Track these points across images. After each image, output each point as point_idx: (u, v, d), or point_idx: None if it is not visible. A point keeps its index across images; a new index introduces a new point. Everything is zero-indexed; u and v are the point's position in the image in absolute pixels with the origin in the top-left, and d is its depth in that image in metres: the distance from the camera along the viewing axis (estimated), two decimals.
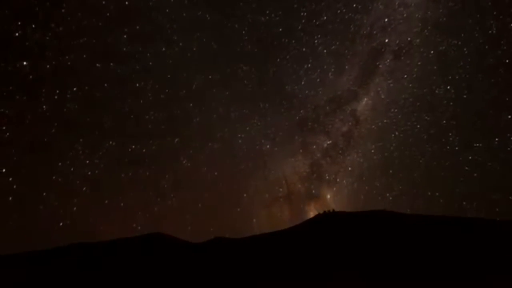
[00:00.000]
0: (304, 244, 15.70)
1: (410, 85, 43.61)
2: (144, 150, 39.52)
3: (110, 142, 36.84)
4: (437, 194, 40.56)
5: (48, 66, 32.37)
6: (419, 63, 43.37)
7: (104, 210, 35.68)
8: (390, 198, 43.13)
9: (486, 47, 39.78)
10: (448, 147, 41.06)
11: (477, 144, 38.93)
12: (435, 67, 42.35)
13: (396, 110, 44.67)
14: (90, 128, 36.15)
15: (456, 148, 40.42)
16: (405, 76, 43.61)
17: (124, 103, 39.13)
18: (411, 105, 44.07)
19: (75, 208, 32.88)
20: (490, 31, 39.53)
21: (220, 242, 18.01)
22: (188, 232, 40.45)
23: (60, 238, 32.95)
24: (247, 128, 47.23)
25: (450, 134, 40.96)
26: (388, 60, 45.09)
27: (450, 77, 41.19)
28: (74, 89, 34.03)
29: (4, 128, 29.62)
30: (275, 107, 49.26)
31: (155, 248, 16.11)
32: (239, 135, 46.77)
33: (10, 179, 29.41)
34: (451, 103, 41.42)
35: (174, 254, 15.16)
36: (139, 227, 36.38)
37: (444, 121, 41.52)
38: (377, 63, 45.17)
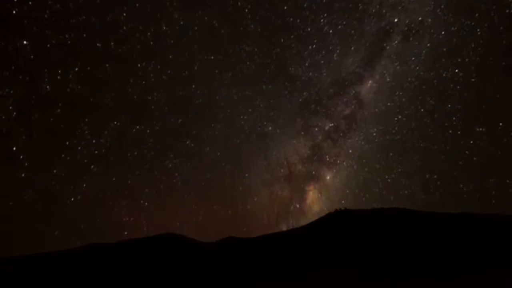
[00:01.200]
0: (317, 243, 15.47)
1: (418, 67, 42.85)
2: (148, 131, 40.65)
3: (115, 123, 37.66)
4: (435, 176, 41.74)
5: (48, 45, 32.44)
6: (428, 44, 42.54)
7: (112, 186, 37.60)
8: (389, 180, 44.37)
9: (501, 28, 38.64)
10: (450, 131, 41.36)
11: (480, 129, 39.24)
12: (444, 49, 41.66)
13: (401, 93, 44.54)
14: (94, 108, 36.82)
15: (458, 133, 40.72)
16: (413, 58, 42.76)
17: (126, 84, 39.23)
18: (416, 89, 43.83)
19: (85, 185, 34.32)
20: (507, 10, 38.29)
21: (233, 242, 17.94)
22: (193, 209, 41.95)
23: (72, 212, 34.14)
24: (250, 110, 47.67)
25: (454, 118, 41.16)
26: (396, 42, 44.23)
27: (459, 60, 40.53)
28: (76, 69, 34.19)
29: (10, 108, 30.08)
30: (278, 89, 49.30)
31: (168, 248, 16.12)
32: (241, 117, 47.34)
33: (21, 156, 30.41)
34: (458, 87, 41.06)
35: (188, 254, 15.14)
36: (146, 203, 39.10)
37: (449, 105, 41.49)
38: (385, 44, 44.43)
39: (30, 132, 30.36)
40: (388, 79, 45.02)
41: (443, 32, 41.19)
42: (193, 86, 43.80)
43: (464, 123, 40.36)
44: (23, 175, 30.39)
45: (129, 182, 38.03)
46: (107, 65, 36.26)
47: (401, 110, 44.42)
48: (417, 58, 42.67)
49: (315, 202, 46.86)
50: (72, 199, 33.07)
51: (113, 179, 36.96)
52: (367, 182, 45.93)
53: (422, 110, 43.20)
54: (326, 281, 10.02)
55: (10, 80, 30.14)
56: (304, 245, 15.47)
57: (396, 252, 12.19)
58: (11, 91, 30.12)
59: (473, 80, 40.21)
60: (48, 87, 32.65)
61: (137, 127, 39.36)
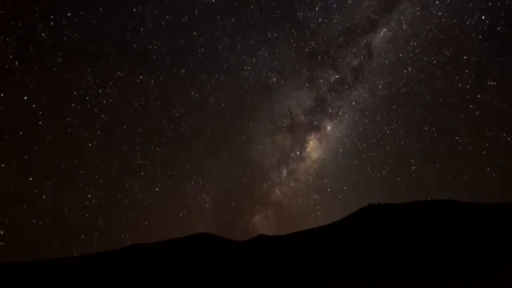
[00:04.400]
0: (351, 242, 14.90)
1: (440, 13, 39.88)
2: (152, 81, 41.38)
3: (118, 73, 38.29)
4: (433, 128, 41.62)
5: None
6: None
7: (124, 134, 39.74)
8: (387, 131, 44.39)
9: None
10: (459, 85, 39.68)
11: (491, 83, 37.06)
12: None
13: (415, 44, 41.82)
14: (95, 57, 37.27)
15: (468, 86, 38.95)
16: (437, 2, 39.21)
17: (124, 31, 38.98)
18: (433, 38, 40.98)
19: (98, 132, 36.99)
20: None
21: (265, 240, 17.94)
22: (201, 154, 44.36)
23: (88, 157, 36.33)
24: (254, 60, 46.50)
25: (466, 71, 38.87)
26: None
27: (489, 4, 36.79)
28: (69, 14, 33.94)
29: (11, 57, 30.78)
30: (284, 37, 46.96)
31: (202, 249, 16.54)
32: (245, 67, 46.39)
33: (34, 105, 32.01)
34: (480, 36, 37.82)
35: (222, 254, 15.41)
36: (157, 149, 41.30)
37: (465, 57, 38.90)
38: None
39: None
40: (404, 27, 42.02)
41: None
42: (194, 33, 42.58)
43: (476, 76, 37.98)
44: (40, 122, 32.03)
45: (139, 130, 39.99)
46: (100, 9, 35.62)
47: (412, 62, 42.16)
48: (441, 2, 39.07)
49: (314, 150, 48.01)
50: (90, 144, 35.59)
51: (124, 127, 38.82)
52: (366, 132, 46.18)
53: (434, 62, 40.82)
54: (368, 280, 9.59)
55: (2, 27, 30.24)
56: (339, 243, 14.98)
57: (442, 251, 11.36)
58: (7, 39, 30.47)
59: (498, 29, 36.51)
60: (43, 34, 32.92)
61: (141, 77, 39.84)
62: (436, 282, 8.26)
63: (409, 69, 42.55)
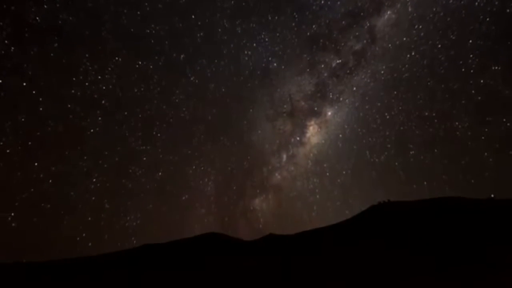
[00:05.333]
0: (361, 240, 14.97)
1: None
2: (151, 66, 41.89)
3: (116, 58, 38.57)
4: (433, 114, 42.31)
5: None
6: None
7: (125, 118, 41.01)
8: (388, 117, 45.34)
9: None
10: (462, 70, 39.62)
11: (496, 68, 37.12)
12: None
13: (420, 27, 41.86)
14: (92, 42, 37.11)
15: (471, 71, 38.98)
16: None
17: (120, 15, 38.84)
18: (439, 21, 40.87)
19: (99, 118, 37.32)
20: None
21: (274, 240, 18.07)
22: (202, 139, 46.00)
23: (91, 143, 37.53)
24: (254, 45, 46.87)
25: (471, 55, 38.80)
26: None
27: None
28: None
29: (6, 42, 31.14)
30: (285, 21, 46.57)
31: (213, 248, 16.72)
32: (245, 52, 46.98)
33: (34, 92, 32.88)
34: (488, 19, 37.79)
35: (232, 253, 15.56)
36: (158, 134, 42.80)
37: (471, 41, 38.89)
38: None
39: None
40: (410, 9, 42.11)
41: None
42: (193, 16, 42.52)
43: (480, 60, 37.95)
44: (40, 109, 33.08)
45: (140, 116, 41.25)
46: None
47: (416, 46, 42.49)
48: None
49: (314, 135, 50.02)
50: (92, 130, 36.34)
51: (125, 113, 40.06)
52: (366, 118, 47.44)
53: (439, 46, 41.07)
54: (380, 279, 9.70)
55: None
56: (348, 241, 15.06)
57: (454, 249, 11.41)
58: (0, 23, 30.58)
59: (508, 10, 36.42)
60: (37, 18, 32.90)
61: (140, 62, 40.31)
62: (444, 279, 8.37)
63: (413, 53, 42.69)
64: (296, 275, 11.15)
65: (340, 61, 45.67)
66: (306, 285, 9.79)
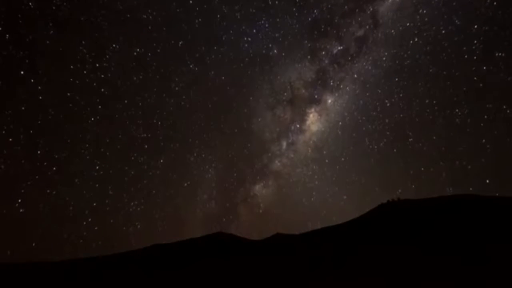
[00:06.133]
0: (370, 240, 14.68)
1: None
2: (149, 54, 41.06)
3: (114, 45, 37.84)
4: (434, 101, 41.43)
5: None
6: None
7: (126, 106, 40.59)
8: (388, 104, 44.66)
9: None
10: (466, 56, 38.51)
11: (500, 54, 35.97)
12: None
13: (425, 12, 40.58)
14: (88, 28, 36.27)
15: (474, 58, 37.88)
16: None
17: (116, 0, 37.50)
18: (445, 5, 39.70)
19: (100, 107, 38.01)
20: None
21: (282, 239, 17.95)
22: (202, 127, 45.91)
23: (92, 131, 37.47)
24: (254, 31, 45.73)
25: (475, 41, 37.62)
26: None
27: None
28: None
29: (0, 29, 30.42)
30: (286, 5, 45.58)
31: (222, 247, 16.72)
32: (245, 38, 45.69)
33: (32, 80, 32.44)
34: (495, 3, 36.66)
35: (239, 253, 15.53)
36: (159, 123, 42.48)
37: (476, 26, 37.62)
38: None
39: None
40: None
41: None
42: (191, 1, 41.03)
43: (484, 47, 36.59)
44: (40, 97, 32.91)
45: (140, 104, 40.83)
46: None
47: (420, 31, 41.21)
48: None
49: (314, 123, 49.47)
50: (92, 119, 36.45)
51: (125, 101, 39.63)
52: (366, 105, 46.64)
53: (443, 31, 39.75)
54: (392, 279, 9.45)
55: None
56: (358, 240, 14.81)
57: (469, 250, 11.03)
58: None
59: None
60: (30, 3, 31.98)
61: (137, 50, 39.54)
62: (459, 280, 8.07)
63: (416, 39, 41.55)
64: (305, 275, 11.01)
65: (341, 47, 44.94)
66: (316, 285, 9.65)
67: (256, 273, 12.09)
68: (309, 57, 47.92)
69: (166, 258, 15.88)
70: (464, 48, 38.47)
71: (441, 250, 10.77)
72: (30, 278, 13.78)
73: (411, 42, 42.09)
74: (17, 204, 30.64)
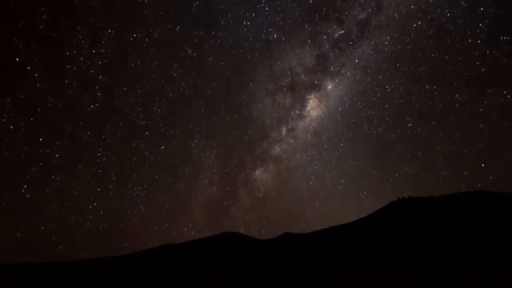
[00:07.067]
0: (379, 241, 14.45)
1: None
2: (146, 39, 40.34)
3: (109, 31, 37.14)
4: (434, 87, 40.40)
5: None
6: None
7: (125, 93, 40.43)
8: (388, 90, 43.88)
9: None
10: (469, 40, 37.43)
11: (505, 38, 35.01)
12: None
13: None
14: (82, 13, 35.44)
15: (478, 42, 36.84)
16: None
17: None
18: None
19: (99, 94, 37.83)
20: None
21: (290, 238, 17.89)
22: (202, 114, 45.58)
23: (92, 118, 37.49)
24: (253, 14, 44.84)
25: (480, 25, 36.62)
26: None
27: None
28: None
29: None
30: None
31: (229, 248, 16.79)
32: (244, 22, 44.97)
33: (28, 67, 32.31)
34: None
35: (248, 252, 15.56)
36: (159, 110, 42.07)
37: (482, 9, 36.64)
38: None
39: None
40: None
41: None
42: None
43: (489, 30, 35.62)
44: (38, 85, 32.75)
45: (139, 91, 40.52)
46: None
47: (423, 14, 40.05)
48: None
49: (314, 109, 49.08)
50: (92, 106, 36.41)
51: (124, 88, 39.37)
52: (366, 91, 45.98)
53: (448, 14, 38.62)
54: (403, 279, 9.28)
55: None
56: (367, 240, 14.60)
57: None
58: None
59: None
60: None
61: (134, 35, 38.71)
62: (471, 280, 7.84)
63: (419, 23, 40.45)
64: (315, 274, 10.94)
65: (343, 31, 43.87)
66: (326, 285, 9.58)
67: (268, 273, 12.08)
68: (309, 41, 46.94)
69: (175, 259, 16.06)
70: (469, 32, 37.49)
71: (447, 252, 10.52)
72: (33, 279, 14.11)
73: (414, 25, 41.07)
74: (23, 190, 31.51)
